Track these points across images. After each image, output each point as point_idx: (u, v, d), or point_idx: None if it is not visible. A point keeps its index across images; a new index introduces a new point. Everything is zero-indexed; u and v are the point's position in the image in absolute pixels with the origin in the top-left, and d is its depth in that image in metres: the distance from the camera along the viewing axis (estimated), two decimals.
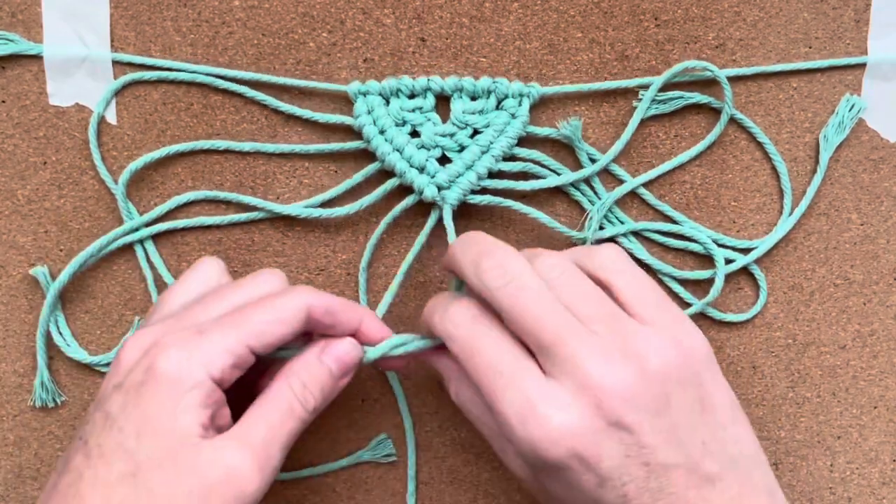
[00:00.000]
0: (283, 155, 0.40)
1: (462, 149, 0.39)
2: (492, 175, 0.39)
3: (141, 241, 0.40)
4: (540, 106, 0.39)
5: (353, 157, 0.40)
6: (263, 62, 0.39)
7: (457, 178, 0.39)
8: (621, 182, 0.40)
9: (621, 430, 0.29)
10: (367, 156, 0.39)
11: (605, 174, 0.40)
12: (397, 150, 0.39)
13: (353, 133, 0.39)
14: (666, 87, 0.39)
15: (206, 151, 0.40)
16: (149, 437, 0.29)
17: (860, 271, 0.41)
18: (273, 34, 0.39)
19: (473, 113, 0.39)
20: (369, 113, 0.39)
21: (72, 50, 0.39)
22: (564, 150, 0.40)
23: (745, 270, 0.41)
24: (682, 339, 0.31)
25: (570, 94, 0.39)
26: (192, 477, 0.29)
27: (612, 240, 0.40)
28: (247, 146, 0.39)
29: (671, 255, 0.41)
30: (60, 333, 0.40)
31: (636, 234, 0.40)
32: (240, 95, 0.39)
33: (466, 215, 0.40)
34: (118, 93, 0.39)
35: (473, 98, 0.39)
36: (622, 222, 0.40)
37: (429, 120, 0.39)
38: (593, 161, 0.39)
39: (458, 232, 0.40)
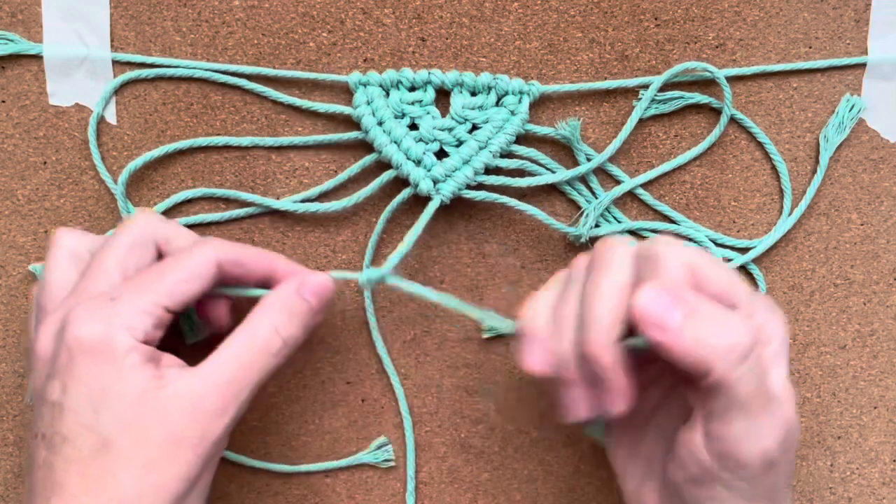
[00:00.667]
0: (282, 155, 0.40)
1: (460, 144, 0.39)
2: (489, 171, 0.39)
3: None
4: (540, 105, 0.39)
5: (353, 156, 0.40)
6: (263, 62, 0.39)
7: (453, 172, 0.39)
8: (620, 183, 0.40)
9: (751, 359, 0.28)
10: (366, 149, 0.40)
11: (605, 175, 0.40)
12: (395, 143, 0.39)
13: (353, 127, 0.39)
14: (666, 88, 0.39)
15: (206, 151, 0.40)
16: (106, 407, 0.30)
17: (860, 271, 0.41)
18: (273, 34, 0.39)
19: (473, 108, 0.39)
20: (369, 104, 0.39)
21: (72, 50, 0.39)
22: (563, 150, 0.40)
23: (744, 270, 0.41)
24: (769, 311, 0.32)
25: (571, 94, 0.39)
26: (161, 427, 0.30)
27: None
28: (245, 141, 0.39)
29: None
30: None
31: (633, 233, 0.40)
32: (240, 95, 0.39)
33: (464, 211, 0.40)
34: (118, 93, 0.39)
35: (473, 93, 0.39)
36: (619, 221, 0.40)
37: (428, 113, 0.39)
38: (590, 157, 0.40)
39: (443, 227, 0.40)
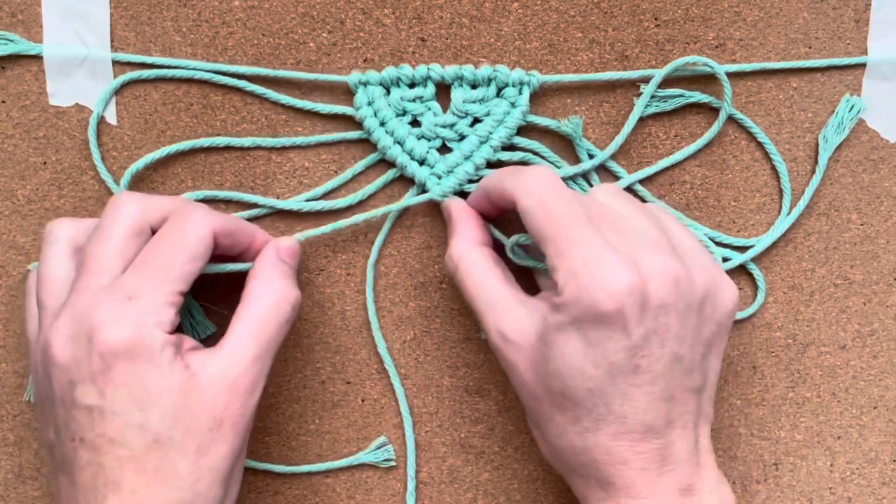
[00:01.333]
0: (282, 155, 0.40)
1: (462, 138, 0.39)
2: (490, 165, 0.39)
3: None
4: (540, 104, 0.39)
5: (353, 156, 0.40)
6: (263, 62, 0.39)
7: (454, 168, 0.39)
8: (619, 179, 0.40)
9: (664, 308, 0.31)
10: (367, 147, 0.40)
11: (605, 173, 0.40)
12: (398, 143, 0.39)
13: (354, 126, 0.39)
14: (666, 87, 0.39)
15: (206, 151, 0.40)
16: (151, 404, 0.31)
17: (860, 271, 0.41)
18: (273, 34, 0.39)
19: (474, 102, 0.39)
20: (370, 104, 0.39)
21: (72, 50, 0.39)
22: (564, 145, 0.40)
23: (744, 270, 0.41)
24: (721, 283, 0.34)
25: (571, 93, 0.39)
26: (205, 413, 0.32)
27: None
28: (247, 141, 0.39)
29: None
30: None
31: None
32: (240, 95, 0.39)
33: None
34: (118, 93, 0.39)
35: (474, 86, 0.39)
36: None
37: (429, 109, 0.39)
38: (592, 158, 0.40)
39: (443, 227, 0.40)
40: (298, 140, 0.39)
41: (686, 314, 0.32)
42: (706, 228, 0.40)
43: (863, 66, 0.40)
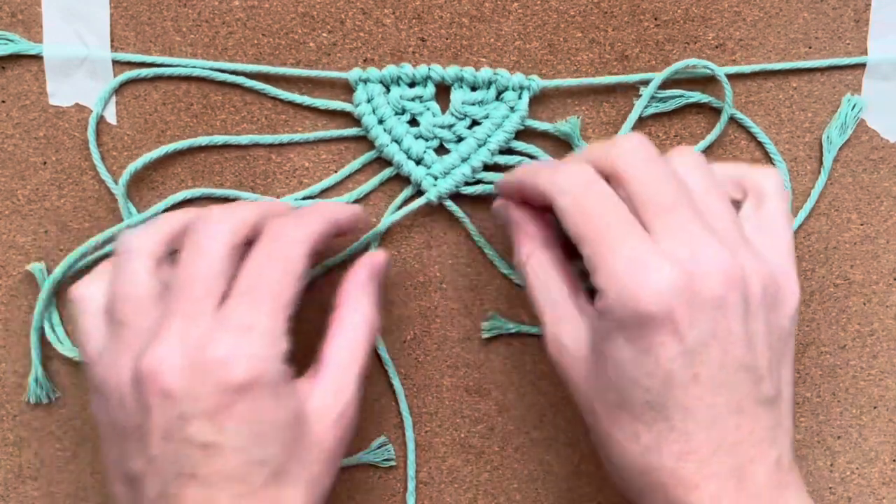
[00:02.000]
0: (282, 155, 0.40)
1: (460, 140, 0.39)
2: (487, 168, 0.39)
3: None
4: (540, 104, 0.39)
5: (353, 156, 0.40)
6: (263, 62, 0.39)
7: (451, 170, 0.39)
8: None
9: (719, 308, 0.29)
10: (367, 146, 0.40)
11: None
12: (396, 142, 0.39)
13: (353, 124, 0.39)
14: (666, 87, 0.39)
15: (206, 151, 0.40)
16: (272, 439, 0.30)
17: (860, 271, 0.41)
18: (273, 34, 0.39)
19: (473, 104, 0.39)
20: (369, 101, 0.39)
21: (72, 50, 0.39)
22: (563, 147, 0.40)
23: None
24: (787, 280, 0.31)
25: (571, 92, 0.39)
26: (317, 446, 0.31)
27: None
28: (246, 139, 0.39)
29: None
30: (53, 330, 0.40)
31: None
32: (240, 95, 0.39)
33: (464, 210, 0.40)
34: (118, 93, 0.39)
35: (474, 88, 0.39)
36: None
37: (428, 109, 0.39)
38: None
39: (443, 227, 0.40)
40: (297, 137, 0.39)
41: (750, 317, 0.30)
42: None
43: (863, 66, 0.40)
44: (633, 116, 0.39)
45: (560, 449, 0.42)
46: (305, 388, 0.32)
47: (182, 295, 0.31)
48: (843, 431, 0.42)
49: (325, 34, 0.39)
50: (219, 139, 0.39)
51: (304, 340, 0.41)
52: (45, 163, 0.40)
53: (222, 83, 0.39)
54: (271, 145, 0.40)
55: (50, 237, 0.40)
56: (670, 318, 0.28)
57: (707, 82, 0.39)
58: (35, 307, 0.40)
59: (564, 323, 0.33)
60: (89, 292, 0.33)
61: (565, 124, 0.39)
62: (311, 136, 0.39)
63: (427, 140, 0.39)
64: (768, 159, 0.40)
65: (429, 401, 0.41)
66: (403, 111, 0.39)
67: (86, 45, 0.39)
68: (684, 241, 0.29)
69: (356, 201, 0.40)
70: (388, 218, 0.39)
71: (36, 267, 0.39)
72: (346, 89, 0.39)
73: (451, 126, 0.39)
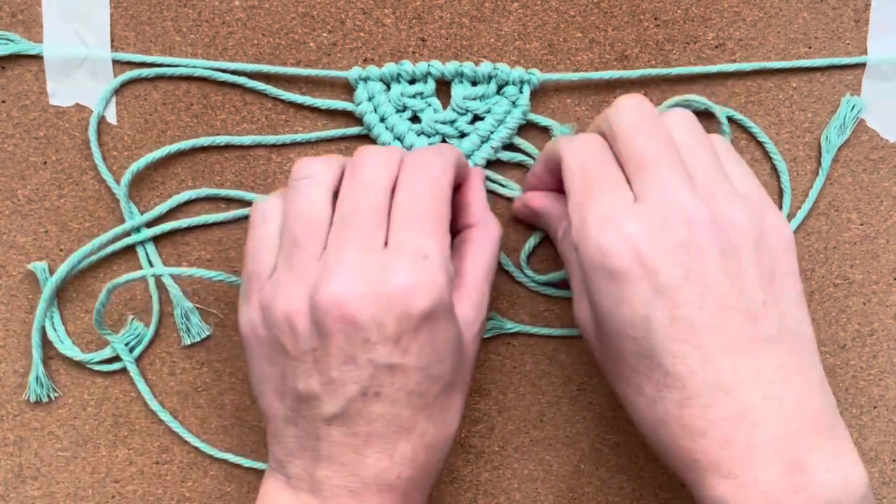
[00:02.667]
0: (282, 155, 0.40)
1: (462, 135, 0.39)
2: (490, 164, 0.39)
3: (143, 244, 0.40)
4: (540, 104, 0.39)
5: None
6: (263, 62, 0.39)
7: None
8: None
9: (688, 251, 0.30)
10: (368, 143, 0.39)
11: None
12: (398, 139, 0.39)
13: (354, 123, 0.39)
14: (667, 87, 0.39)
15: (207, 151, 0.40)
16: (447, 356, 0.32)
17: (860, 271, 0.41)
18: (273, 34, 0.39)
19: (474, 99, 0.39)
20: (370, 100, 0.39)
21: (72, 50, 0.39)
22: None
23: None
24: (769, 217, 0.32)
25: (571, 93, 0.39)
26: (468, 357, 0.34)
27: None
28: (247, 140, 0.39)
29: None
30: (55, 330, 0.40)
31: None
32: (240, 95, 0.39)
33: None
34: (118, 93, 0.39)
35: (474, 83, 0.39)
36: None
37: (429, 105, 0.39)
38: None
39: None
40: (299, 137, 0.39)
41: (727, 255, 0.30)
42: None
43: (862, 65, 0.40)
44: None
45: (560, 449, 0.42)
46: (455, 304, 0.33)
47: (353, 226, 0.32)
48: None
49: (325, 34, 0.39)
50: (221, 139, 0.39)
51: None
52: (45, 163, 0.40)
53: (222, 83, 0.39)
54: (272, 146, 0.40)
55: (50, 237, 0.40)
56: (638, 265, 0.30)
57: (708, 82, 0.39)
58: (35, 307, 0.40)
59: (583, 291, 0.34)
60: (273, 205, 0.34)
61: (564, 129, 0.39)
62: (313, 136, 0.39)
63: (429, 136, 0.39)
64: (768, 159, 0.40)
65: None
66: (405, 108, 0.39)
67: (86, 45, 0.39)
68: (659, 192, 0.31)
69: None
70: None
71: (38, 266, 0.39)
72: (347, 89, 0.39)
73: (452, 122, 0.39)
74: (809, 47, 0.40)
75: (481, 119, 0.39)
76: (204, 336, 0.40)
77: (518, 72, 0.38)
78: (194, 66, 0.39)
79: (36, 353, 0.40)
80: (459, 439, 0.41)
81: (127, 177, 0.39)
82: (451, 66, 0.38)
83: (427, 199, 0.32)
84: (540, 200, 0.38)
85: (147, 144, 0.39)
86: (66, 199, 0.40)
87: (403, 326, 0.30)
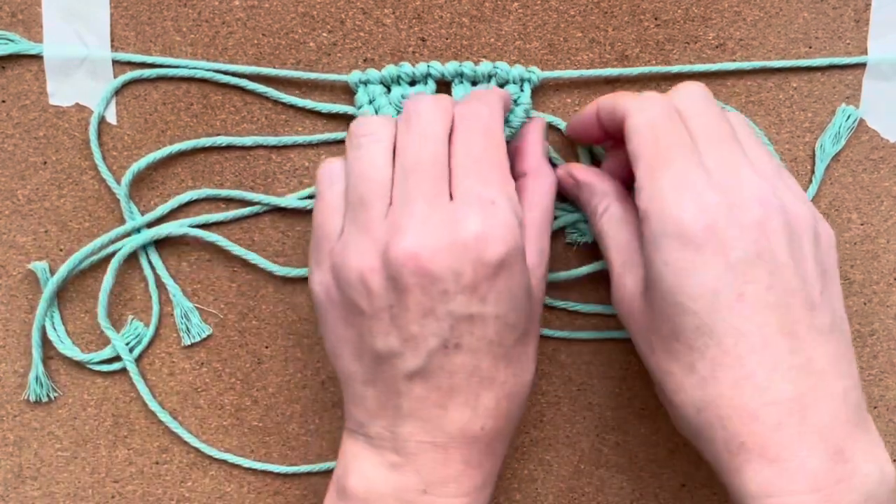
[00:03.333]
0: (282, 155, 0.40)
1: None
2: None
3: (144, 246, 0.40)
4: (541, 103, 0.39)
5: None
6: (263, 62, 0.39)
7: None
8: None
9: (761, 231, 0.30)
10: None
11: None
12: None
13: None
14: (666, 87, 0.39)
15: (206, 151, 0.40)
16: (521, 303, 0.32)
17: (860, 271, 0.41)
18: (273, 34, 0.39)
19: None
20: (371, 102, 0.39)
21: (72, 50, 0.39)
22: (565, 143, 0.40)
23: None
24: (818, 216, 0.33)
25: (571, 92, 0.39)
26: (537, 304, 0.34)
27: None
28: (248, 140, 0.39)
29: None
30: (55, 329, 0.40)
31: None
32: (240, 95, 0.39)
33: None
34: (118, 93, 0.39)
35: (474, 83, 0.39)
36: None
37: None
38: (594, 157, 0.40)
39: None
40: (300, 139, 0.39)
41: (794, 244, 0.30)
42: None
43: (862, 65, 0.40)
44: None
45: (560, 449, 0.42)
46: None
47: (417, 178, 0.31)
48: None
49: (325, 34, 0.39)
50: (221, 140, 0.39)
51: (301, 342, 0.41)
52: (45, 163, 0.40)
53: (223, 83, 0.39)
54: (273, 146, 0.40)
55: (50, 237, 0.40)
56: (713, 235, 0.29)
57: (708, 82, 0.39)
58: (35, 307, 0.40)
59: (629, 266, 0.34)
60: (337, 168, 0.34)
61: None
62: (314, 138, 0.39)
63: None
64: None
65: None
66: None
67: (86, 45, 0.39)
68: (731, 170, 0.31)
69: None
70: None
71: (38, 266, 0.39)
72: (347, 89, 0.39)
73: None
74: (809, 47, 0.40)
75: None
76: (204, 336, 0.40)
77: (518, 70, 0.38)
78: (195, 68, 0.39)
79: (36, 353, 0.40)
80: None
81: (127, 177, 0.39)
82: (450, 67, 0.38)
83: (484, 147, 0.32)
84: (586, 173, 0.37)
85: (147, 144, 0.39)
86: (66, 199, 0.40)
87: (480, 274, 0.30)
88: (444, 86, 0.39)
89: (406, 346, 0.31)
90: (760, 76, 0.40)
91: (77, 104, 0.39)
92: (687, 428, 0.32)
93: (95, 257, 0.40)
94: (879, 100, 0.40)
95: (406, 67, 0.38)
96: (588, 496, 0.42)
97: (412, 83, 0.39)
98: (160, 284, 0.40)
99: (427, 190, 0.31)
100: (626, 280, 0.34)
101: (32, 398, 0.40)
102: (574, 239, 0.40)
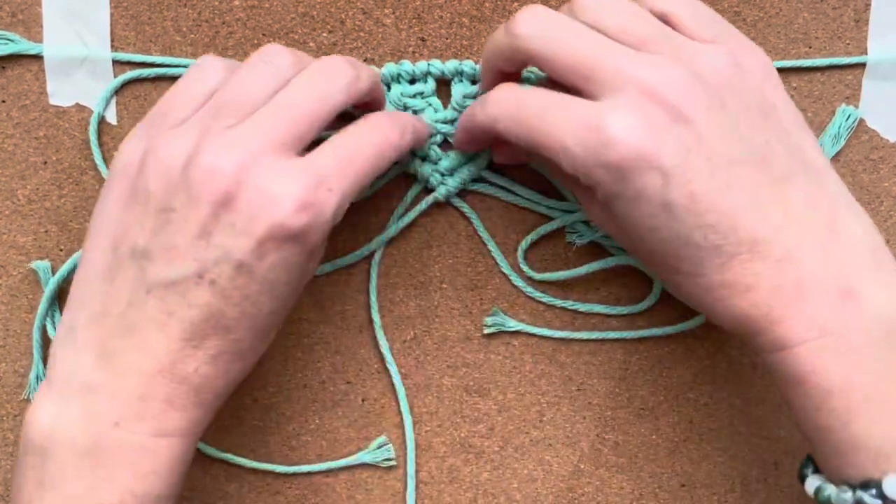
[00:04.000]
0: None
1: None
2: (491, 163, 0.39)
3: None
4: None
5: None
6: None
7: (458, 167, 0.39)
8: None
9: (677, 123, 0.29)
10: None
11: None
12: None
13: None
14: None
15: None
16: (296, 286, 0.32)
17: None
18: (273, 34, 0.39)
19: (475, 97, 0.39)
20: None
21: (72, 50, 0.39)
22: None
23: None
24: (740, 52, 0.31)
25: None
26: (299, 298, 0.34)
27: None
28: None
29: None
30: (55, 329, 0.40)
31: None
32: None
33: (464, 211, 0.40)
34: (118, 93, 0.39)
35: (474, 82, 0.39)
36: None
37: (430, 105, 0.39)
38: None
39: (443, 227, 0.40)
40: None
41: (713, 117, 0.29)
42: None
43: (862, 65, 0.40)
44: None
45: (560, 449, 0.42)
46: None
47: (282, 115, 0.31)
48: None
49: (325, 34, 0.39)
50: None
51: (301, 342, 0.41)
52: (45, 163, 0.40)
53: None
54: None
55: (50, 237, 0.40)
56: (640, 156, 0.29)
57: None
58: (35, 306, 0.40)
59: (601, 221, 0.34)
60: (218, 69, 0.34)
61: None
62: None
63: (431, 136, 0.39)
64: None
65: (429, 401, 0.41)
66: (405, 108, 0.39)
67: (86, 45, 0.39)
68: (619, 81, 0.29)
69: (357, 213, 0.40)
70: (400, 222, 0.39)
71: (40, 265, 0.40)
72: None
73: (453, 121, 0.39)
74: (809, 47, 0.40)
75: None
76: None
77: None
78: None
79: (36, 353, 0.40)
80: (459, 439, 0.41)
81: None
82: (450, 65, 0.38)
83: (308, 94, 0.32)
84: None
85: None
86: (66, 199, 0.40)
87: (273, 234, 0.30)
88: (443, 84, 0.39)
89: (164, 254, 0.30)
90: None
91: (77, 104, 0.39)
92: (711, 319, 0.32)
93: None
94: (879, 100, 0.40)
95: (406, 66, 0.38)
96: (588, 496, 0.42)
97: (412, 81, 0.39)
98: None
99: (283, 130, 0.31)
100: (623, 240, 0.34)
101: (32, 398, 0.40)
102: (573, 239, 0.40)
